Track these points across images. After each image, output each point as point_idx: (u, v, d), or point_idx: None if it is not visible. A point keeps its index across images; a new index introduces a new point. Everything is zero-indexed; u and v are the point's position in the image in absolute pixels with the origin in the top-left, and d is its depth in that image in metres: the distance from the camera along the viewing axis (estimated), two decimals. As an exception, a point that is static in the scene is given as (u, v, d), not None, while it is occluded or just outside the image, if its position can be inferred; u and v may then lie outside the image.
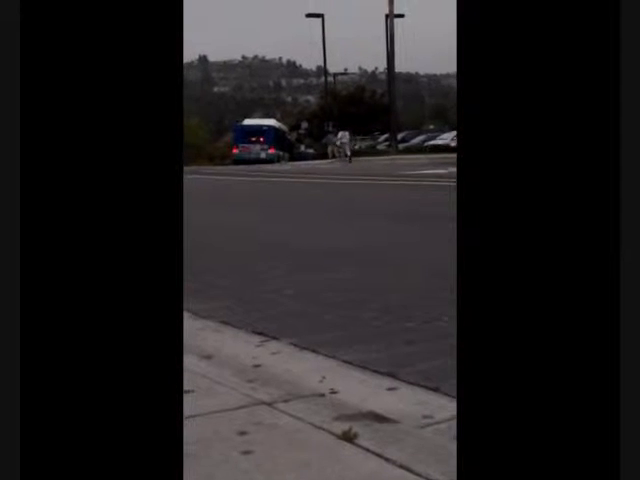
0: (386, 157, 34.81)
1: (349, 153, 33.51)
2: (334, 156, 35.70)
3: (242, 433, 2.16)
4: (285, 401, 2.44)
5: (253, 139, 42.13)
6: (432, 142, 41.50)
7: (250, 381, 2.66)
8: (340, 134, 35.70)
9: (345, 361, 2.96)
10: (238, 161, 39.80)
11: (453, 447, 1.96)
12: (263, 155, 40.82)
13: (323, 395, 2.50)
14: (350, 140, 35.75)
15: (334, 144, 36.25)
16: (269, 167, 31.43)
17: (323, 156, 39.56)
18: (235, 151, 42.63)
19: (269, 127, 44.36)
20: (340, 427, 2.17)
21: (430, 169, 18.68)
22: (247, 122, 47.15)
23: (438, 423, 2.23)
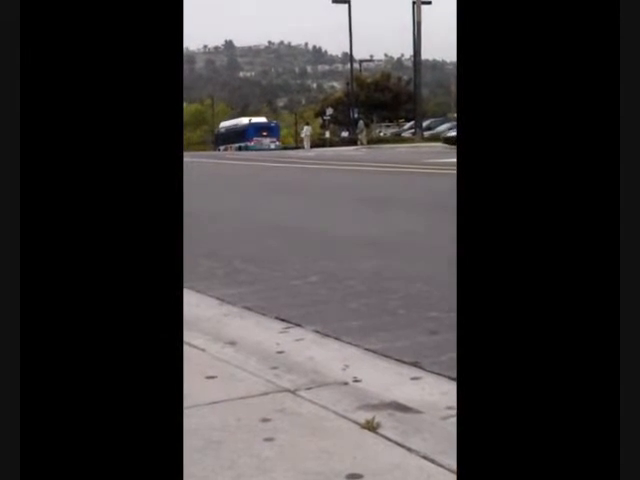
0: (410, 144, 35.10)
1: (307, 146, 43.46)
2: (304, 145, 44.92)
3: (265, 420, 2.17)
4: (308, 389, 2.44)
5: (264, 133, 51.02)
6: (458, 130, 41.24)
7: (273, 368, 2.66)
8: (305, 128, 46.54)
9: (368, 349, 2.95)
10: (252, 151, 46.93)
11: (476, 438, 1.96)
12: (272, 146, 48.89)
13: (346, 383, 2.50)
14: (312, 134, 46.68)
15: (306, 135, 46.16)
16: (295, 153, 31.54)
17: (350, 142, 41.60)
18: (251, 143, 50.88)
19: (275, 124, 54.58)
20: (363, 416, 2.17)
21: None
22: (255, 120, 56.35)
23: (461, 414, 2.22)
